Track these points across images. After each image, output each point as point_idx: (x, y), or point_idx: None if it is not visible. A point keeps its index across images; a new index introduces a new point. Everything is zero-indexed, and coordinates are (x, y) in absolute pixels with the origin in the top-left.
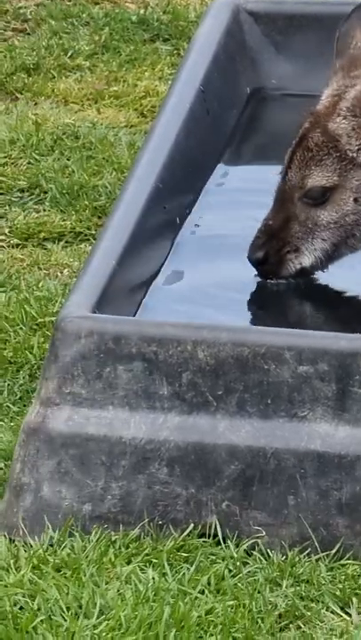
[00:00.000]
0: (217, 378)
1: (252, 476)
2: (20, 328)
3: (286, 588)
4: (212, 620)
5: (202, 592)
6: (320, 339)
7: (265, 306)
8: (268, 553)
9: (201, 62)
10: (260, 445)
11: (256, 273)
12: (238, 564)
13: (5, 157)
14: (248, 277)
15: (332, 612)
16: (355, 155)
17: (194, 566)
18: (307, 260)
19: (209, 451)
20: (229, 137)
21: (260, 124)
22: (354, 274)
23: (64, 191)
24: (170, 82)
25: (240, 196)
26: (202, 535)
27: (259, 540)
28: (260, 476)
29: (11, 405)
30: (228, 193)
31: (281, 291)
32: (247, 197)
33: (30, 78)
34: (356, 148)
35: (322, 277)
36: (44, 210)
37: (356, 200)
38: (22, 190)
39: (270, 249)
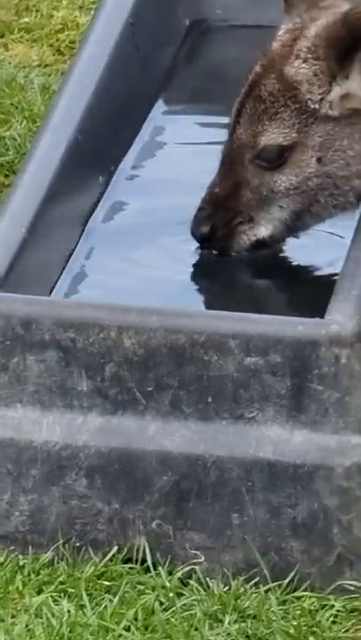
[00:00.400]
0: (147, 371)
1: (189, 490)
2: None
3: (229, 624)
4: None
5: (127, 629)
6: (272, 324)
7: (206, 283)
8: (207, 582)
9: None
10: (199, 453)
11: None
12: (171, 595)
13: None
14: (187, 249)
15: None
16: (317, 106)
17: (118, 597)
18: (263, 230)
19: (137, 458)
20: (164, 79)
21: (202, 63)
22: (321, 246)
23: None
24: (92, 12)
25: (177, 152)
26: (128, 560)
27: (196, 567)
28: (199, 489)
29: None
30: (161, 147)
31: (227, 264)
32: (186, 153)
33: None
34: (319, 97)
35: (280, 249)
36: None
37: (319, 160)
38: None
39: (218, 221)
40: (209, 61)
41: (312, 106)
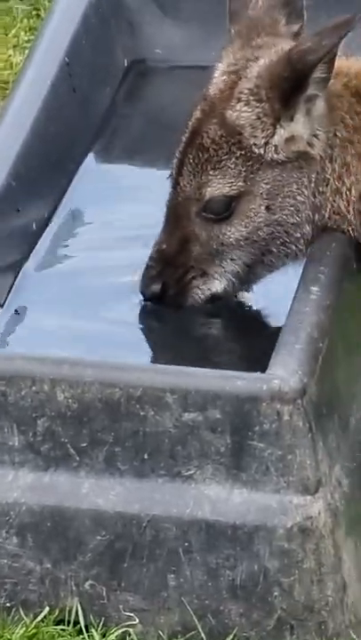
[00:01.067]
0: (81, 426)
1: (124, 550)
2: None
3: None
4: None
5: None
6: (211, 378)
7: (147, 334)
8: None
9: (66, 27)
10: (134, 512)
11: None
12: None
13: None
14: (124, 299)
15: None
16: (262, 150)
17: None
18: (217, 284)
19: (70, 517)
20: (102, 121)
21: (141, 105)
22: (272, 292)
23: None
24: (27, 51)
25: (115, 198)
26: (60, 621)
27: (130, 630)
28: (134, 549)
29: None
30: (99, 194)
31: (165, 313)
32: (124, 199)
33: None
34: (263, 141)
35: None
36: None
37: (268, 208)
38: None
39: (169, 278)
40: (148, 103)
41: (257, 151)
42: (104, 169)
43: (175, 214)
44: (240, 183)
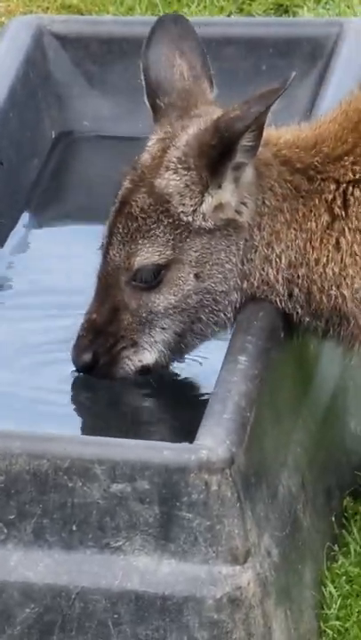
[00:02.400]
0: (8, 498)
1: (53, 623)
2: None
3: None
4: None
5: None
6: (139, 449)
7: (77, 404)
8: None
9: None
10: (63, 584)
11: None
12: None
13: None
14: (55, 369)
15: None
16: (190, 218)
17: None
18: (148, 355)
19: None
20: (29, 194)
21: (69, 176)
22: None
23: None
24: None
25: (43, 275)
26: None
27: None
28: (63, 621)
29: None
30: (26, 270)
31: (95, 383)
32: (53, 276)
33: None
34: (192, 209)
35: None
36: None
37: (197, 276)
38: None
39: (99, 348)
40: (76, 174)
41: (185, 219)
42: (32, 240)
43: (105, 284)
44: (169, 252)
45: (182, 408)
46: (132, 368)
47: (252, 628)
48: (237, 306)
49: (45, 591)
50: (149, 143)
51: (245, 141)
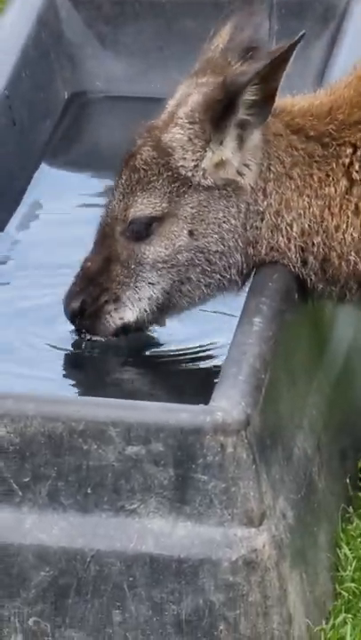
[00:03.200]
0: (23, 461)
1: (68, 586)
2: None
3: None
4: None
5: None
6: (153, 411)
7: (86, 368)
8: None
9: (6, 60)
10: (78, 547)
11: (73, 329)
12: None
13: None
14: (64, 335)
15: None
16: (190, 173)
17: None
18: (129, 313)
19: (12, 553)
20: (42, 154)
21: (82, 137)
22: (204, 325)
23: None
24: None
25: (55, 232)
26: None
27: None
28: (78, 585)
29: None
30: (39, 228)
31: (106, 347)
32: (65, 233)
33: None
34: (193, 164)
35: (161, 331)
36: None
37: (191, 233)
38: None
39: (88, 297)
40: (89, 134)
41: (184, 173)
42: (45, 201)
43: (103, 233)
44: (164, 204)
45: (195, 376)
46: (113, 326)
47: (267, 591)
48: (241, 268)
49: (60, 554)
50: (166, 107)
51: (248, 95)
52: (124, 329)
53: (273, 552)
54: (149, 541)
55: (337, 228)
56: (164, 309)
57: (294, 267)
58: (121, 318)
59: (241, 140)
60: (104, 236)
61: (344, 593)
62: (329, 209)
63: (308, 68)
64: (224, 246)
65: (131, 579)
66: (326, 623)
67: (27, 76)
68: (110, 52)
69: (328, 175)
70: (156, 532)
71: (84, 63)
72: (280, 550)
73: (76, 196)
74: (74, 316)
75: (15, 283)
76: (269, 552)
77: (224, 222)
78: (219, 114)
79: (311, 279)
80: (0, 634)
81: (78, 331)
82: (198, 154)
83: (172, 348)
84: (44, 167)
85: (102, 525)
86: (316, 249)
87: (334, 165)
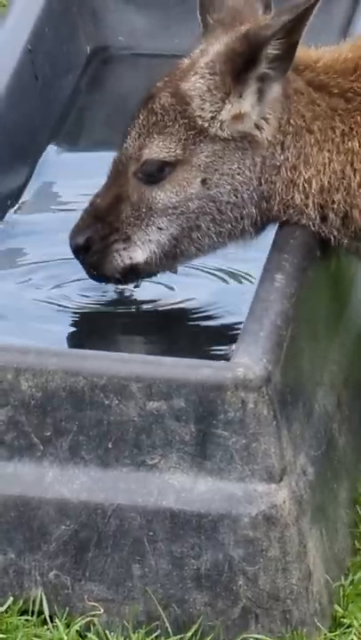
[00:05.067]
0: (44, 415)
1: (88, 539)
2: None
3: None
4: None
5: None
6: (175, 367)
7: (106, 325)
8: (106, 635)
9: (27, 14)
10: (99, 501)
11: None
12: None
13: None
14: (87, 285)
15: None
16: (206, 124)
17: None
18: (139, 253)
19: (34, 506)
20: (65, 109)
21: (104, 92)
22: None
23: None
24: None
25: (78, 186)
26: (24, 612)
27: (95, 619)
28: (98, 539)
29: None
30: (63, 180)
31: (126, 300)
32: (87, 187)
33: None
34: (210, 115)
35: (181, 285)
36: None
37: (203, 181)
38: None
39: (95, 234)
40: (111, 90)
41: (200, 123)
42: (67, 157)
43: (116, 171)
44: (179, 151)
45: (216, 328)
46: (121, 264)
47: (287, 547)
48: (255, 221)
49: (81, 508)
50: (194, 51)
51: (271, 49)
52: (133, 270)
53: (293, 508)
54: (170, 496)
55: (360, 183)
56: (173, 255)
57: (314, 224)
58: (130, 258)
59: (261, 94)
60: (117, 174)
61: None
62: (352, 165)
63: (332, 24)
64: (237, 198)
65: (151, 533)
66: (345, 579)
67: (49, 31)
68: (132, 7)
69: (352, 128)
70: (177, 487)
71: (107, 18)
72: (300, 506)
73: (96, 149)
74: (79, 252)
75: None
76: (289, 508)
77: (238, 174)
78: (240, 66)
79: (334, 236)
80: (21, 587)
81: (84, 267)
82: (217, 105)
83: (191, 305)
84: (65, 122)
85: (123, 480)
86: (336, 205)
87: (359, 118)
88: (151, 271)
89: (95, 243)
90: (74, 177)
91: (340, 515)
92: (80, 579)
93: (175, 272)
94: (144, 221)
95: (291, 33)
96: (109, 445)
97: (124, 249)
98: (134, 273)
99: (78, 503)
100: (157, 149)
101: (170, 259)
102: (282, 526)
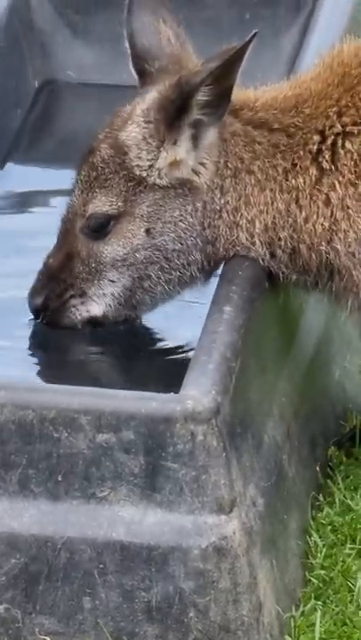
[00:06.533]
0: None
1: (38, 573)
2: None
3: None
4: None
5: None
6: (124, 399)
7: (54, 356)
8: None
9: None
10: (48, 534)
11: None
12: None
13: None
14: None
15: None
16: (145, 173)
17: None
18: (96, 307)
19: None
20: (12, 144)
21: (52, 125)
22: (175, 318)
23: None
24: None
25: (19, 224)
26: None
27: None
28: (49, 572)
29: None
30: (7, 213)
31: (75, 335)
32: (28, 224)
33: None
34: (148, 163)
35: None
36: None
37: (148, 231)
38: None
39: (51, 293)
40: (59, 123)
41: (139, 172)
42: (15, 189)
43: (65, 229)
44: (120, 203)
45: (166, 363)
46: (79, 317)
47: (237, 578)
48: (203, 266)
49: (31, 541)
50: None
51: (201, 96)
52: (93, 322)
53: (243, 539)
54: (120, 529)
55: (306, 219)
56: (130, 306)
57: (263, 260)
58: (87, 311)
59: (196, 140)
60: (65, 232)
61: (314, 580)
62: (297, 202)
63: (281, 57)
64: (182, 244)
65: (101, 566)
66: (296, 610)
67: None
68: (81, 41)
69: (295, 164)
70: (127, 519)
71: (56, 51)
72: (250, 537)
73: (45, 185)
74: (38, 312)
75: None
76: (240, 539)
77: (180, 221)
78: (172, 114)
79: (283, 271)
80: None
81: (45, 324)
82: (153, 153)
83: (145, 338)
84: (13, 155)
85: (73, 512)
86: (283, 243)
87: (301, 153)
88: (113, 321)
89: (52, 301)
90: (19, 205)
91: (291, 545)
92: (31, 612)
93: (137, 323)
94: (95, 276)
95: (221, 79)
96: (59, 478)
97: (82, 303)
98: (96, 324)
99: (28, 536)
100: (100, 204)
101: (127, 309)
102: (232, 557)
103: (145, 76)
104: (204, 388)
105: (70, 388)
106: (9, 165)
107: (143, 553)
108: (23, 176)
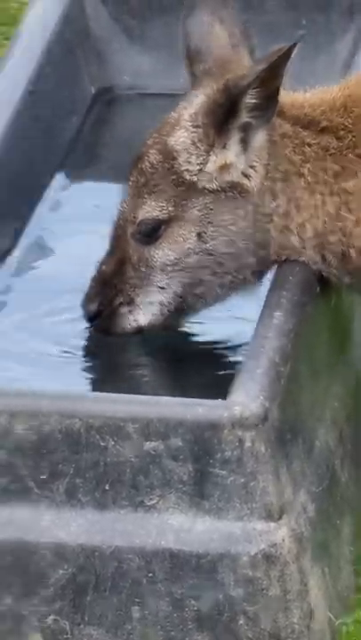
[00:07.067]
0: (40, 458)
1: (86, 583)
2: None
3: None
4: None
5: None
6: (171, 407)
7: (102, 365)
8: None
9: (30, 55)
10: (96, 543)
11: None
12: None
13: None
14: (82, 329)
15: None
16: (195, 178)
17: None
18: (142, 317)
19: (30, 551)
20: (67, 151)
21: (109, 134)
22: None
23: None
24: None
25: (79, 228)
26: None
27: None
28: (97, 582)
29: None
30: (63, 223)
31: (123, 343)
32: (88, 229)
33: None
34: (198, 167)
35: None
36: None
37: (199, 235)
38: None
39: (104, 299)
40: (115, 130)
41: (188, 177)
42: (69, 198)
43: (116, 235)
44: (170, 207)
45: (215, 369)
46: (128, 327)
47: (287, 585)
48: (256, 269)
49: (78, 551)
50: (180, 102)
51: (248, 99)
52: (139, 331)
53: (293, 546)
54: (169, 537)
55: (356, 223)
56: (178, 312)
57: (314, 264)
58: (135, 320)
59: (245, 143)
60: (117, 238)
61: None
62: (346, 204)
63: (335, 63)
64: (234, 248)
65: (150, 574)
66: (349, 617)
67: (51, 70)
68: (138, 47)
69: (344, 168)
70: (176, 527)
71: (111, 58)
72: (300, 544)
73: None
74: (91, 319)
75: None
76: (289, 546)
77: (232, 225)
78: (221, 118)
79: (334, 275)
80: (19, 633)
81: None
82: (202, 157)
83: (192, 341)
84: (68, 163)
85: (121, 521)
86: (333, 247)
87: (351, 156)
88: (160, 329)
89: (105, 307)
90: (73, 213)
91: (344, 552)
92: (79, 623)
93: (181, 327)
94: (146, 281)
95: (267, 81)
96: (106, 487)
97: (130, 312)
98: (144, 332)
99: (76, 546)
100: (150, 209)
101: (175, 315)
102: (282, 564)
103: (194, 78)
104: (251, 393)
105: (116, 396)
106: (62, 175)
107: (192, 561)
108: (76, 183)
